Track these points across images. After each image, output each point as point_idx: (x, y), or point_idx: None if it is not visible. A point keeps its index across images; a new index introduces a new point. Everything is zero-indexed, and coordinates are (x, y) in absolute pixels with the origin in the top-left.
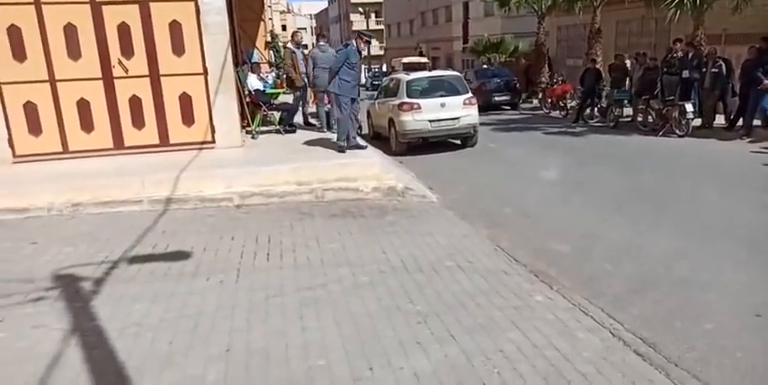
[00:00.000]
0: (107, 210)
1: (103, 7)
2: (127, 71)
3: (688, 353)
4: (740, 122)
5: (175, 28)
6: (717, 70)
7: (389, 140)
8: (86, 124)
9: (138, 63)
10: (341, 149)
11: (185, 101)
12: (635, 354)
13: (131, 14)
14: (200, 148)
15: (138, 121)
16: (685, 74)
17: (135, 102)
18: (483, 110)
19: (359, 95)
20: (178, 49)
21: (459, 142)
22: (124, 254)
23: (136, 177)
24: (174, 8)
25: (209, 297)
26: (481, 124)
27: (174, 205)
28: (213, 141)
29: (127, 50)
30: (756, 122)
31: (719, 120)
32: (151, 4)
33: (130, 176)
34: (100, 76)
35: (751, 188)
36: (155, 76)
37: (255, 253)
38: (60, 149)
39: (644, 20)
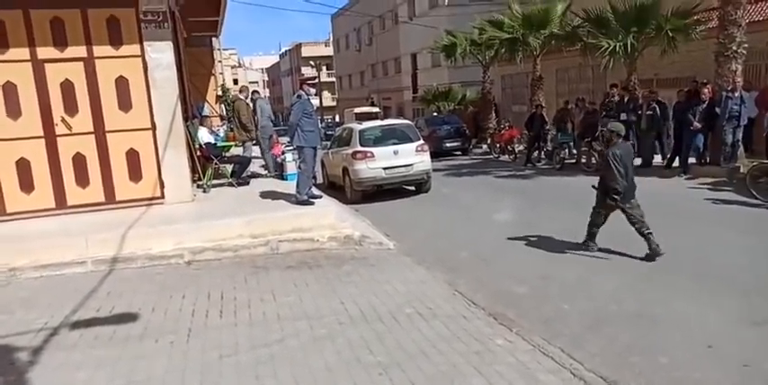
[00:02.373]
0: (48, 274)
1: (46, 65)
2: (70, 128)
3: None
4: (677, 161)
5: (122, 84)
6: (651, 112)
7: (344, 189)
8: (26, 184)
9: (83, 120)
10: (303, 202)
11: (132, 157)
12: None
13: (75, 72)
14: (149, 205)
15: (83, 179)
16: (623, 116)
17: (79, 160)
18: (435, 156)
19: (321, 143)
20: (125, 104)
21: (413, 188)
22: (65, 319)
23: (79, 237)
24: (120, 64)
25: (159, 360)
26: (434, 170)
27: (120, 265)
28: (162, 197)
29: (71, 107)
30: (691, 160)
31: (658, 159)
32: (96, 61)
33: (73, 236)
34: (41, 134)
35: (694, 222)
36: (100, 133)
37: (208, 310)
38: None
39: (581, 67)
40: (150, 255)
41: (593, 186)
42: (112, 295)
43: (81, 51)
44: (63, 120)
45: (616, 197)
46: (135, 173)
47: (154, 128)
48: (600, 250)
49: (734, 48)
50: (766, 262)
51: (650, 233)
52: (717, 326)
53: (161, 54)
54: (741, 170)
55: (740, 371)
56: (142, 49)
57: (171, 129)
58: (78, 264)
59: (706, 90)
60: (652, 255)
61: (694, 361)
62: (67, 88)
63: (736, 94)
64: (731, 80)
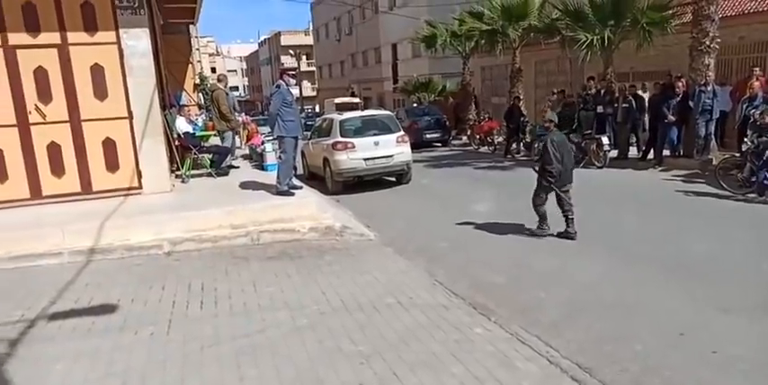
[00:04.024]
0: (22, 265)
1: (18, 51)
2: (44, 117)
3: (621, 376)
4: (651, 153)
5: (97, 72)
6: (627, 105)
7: (325, 180)
8: None
9: (57, 108)
10: (283, 193)
11: (109, 146)
12: (572, 380)
13: (49, 59)
14: (127, 195)
15: (58, 169)
16: (599, 109)
17: (54, 149)
18: (415, 147)
19: (302, 133)
20: (100, 93)
21: (393, 179)
22: (42, 311)
23: (55, 228)
24: (95, 51)
25: (139, 352)
26: (414, 161)
27: (98, 256)
28: (140, 187)
29: (44, 95)
30: (666, 152)
31: (633, 151)
32: (71, 48)
33: (49, 227)
34: (14, 122)
35: (667, 213)
36: (75, 122)
37: (188, 301)
38: None
39: (560, 60)
40: (129, 246)
41: (534, 169)
42: (90, 286)
43: (55, 38)
44: (37, 108)
45: (551, 179)
46: (112, 162)
47: (131, 117)
48: (559, 235)
49: (707, 42)
50: (734, 251)
51: (572, 219)
52: (687, 313)
53: (137, 41)
54: (713, 162)
55: (710, 357)
56: (118, 36)
57: (148, 118)
58: (54, 255)
59: (680, 83)
60: (564, 235)
61: (667, 348)
62: (41, 75)
63: (709, 88)
64: (704, 74)
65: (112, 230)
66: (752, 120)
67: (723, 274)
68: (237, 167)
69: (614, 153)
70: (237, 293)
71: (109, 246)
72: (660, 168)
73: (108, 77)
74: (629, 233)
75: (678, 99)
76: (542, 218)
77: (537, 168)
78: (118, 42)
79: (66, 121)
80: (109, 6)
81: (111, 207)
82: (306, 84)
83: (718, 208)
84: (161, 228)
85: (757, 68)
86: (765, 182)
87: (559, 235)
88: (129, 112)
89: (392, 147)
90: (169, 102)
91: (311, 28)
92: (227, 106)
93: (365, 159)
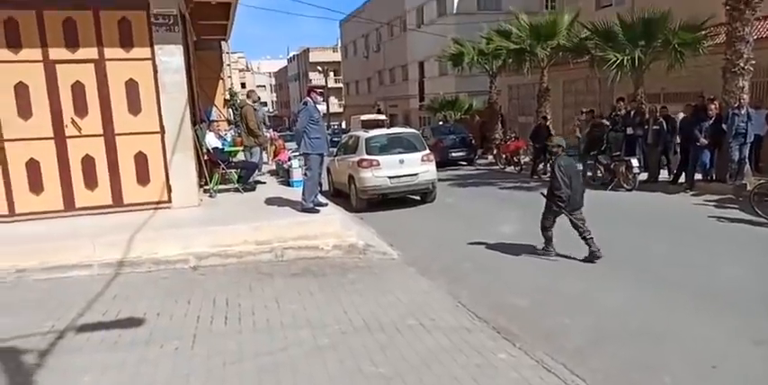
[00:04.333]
0: (55, 276)
1: (57, 66)
2: (80, 130)
3: None
4: (683, 177)
5: (132, 87)
6: (658, 127)
7: (350, 197)
8: (36, 185)
9: (93, 122)
10: (308, 210)
11: (141, 160)
12: None
13: (86, 73)
14: (156, 208)
15: (91, 182)
16: (629, 130)
17: (88, 162)
18: (440, 166)
19: (328, 150)
20: (134, 107)
21: (418, 198)
22: (72, 322)
23: (86, 240)
24: (130, 67)
25: (163, 365)
26: (439, 180)
27: (126, 268)
28: (169, 201)
29: (81, 109)
30: (698, 176)
31: (664, 174)
32: (107, 63)
33: (80, 239)
34: (51, 135)
35: (698, 239)
36: (109, 135)
37: (212, 317)
38: (6, 212)
39: (588, 79)
40: (156, 260)
41: (542, 193)
42: (118, 299)
43: (92, 53)
44: (73, 121)
45: (561, 204)
46: (143, 176)
47: (162, 131)
48: (584, 259)
49: (741, 64)
50: (766, 281)
51: (591, 238)
52: (719, 344)
53: (171, 57)
54: (747, 187)
55: None
56: (152, 52)
57: (179, 134)
58: (85, 266)
59: (713, 106)
60: (590, 258)
61: (698, 381)
62: (78, 90)
63: (743, 111)
64: (738, 97)
65: (141, 243)
66: None
67: (756, 304)
68: (264, 183)
69: (644, 176)
70: (261, 309)
71: (137, 258)
72: (692, 192)
73: (142, 92)
74: (657, 257)
75: (711, 122)
76: (548, 240)
77: (545, 193)
78: (152, 58)
79: (100, 135)
80: (145, 23)
81: (140, 220)
82: (333, 100)
83: (752, 235)
84: (188, 243)
85: None
86: None
87: (585, 259)
88: (162, 127)
89: (417, 166)
90: (200, 118)
91: (340, 45)
92: (254, 122)
93: (390, 177)
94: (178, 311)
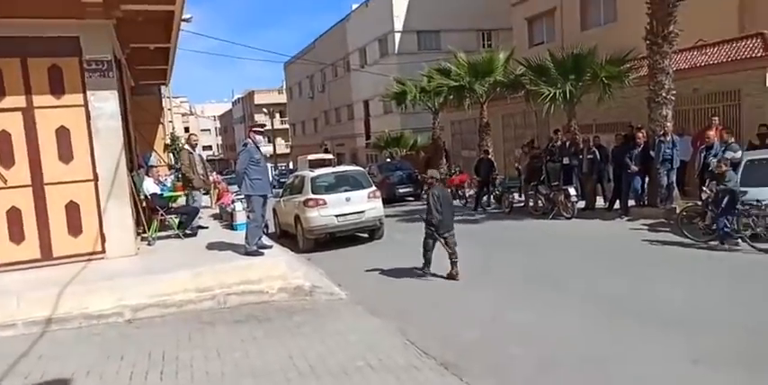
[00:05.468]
0: None
1: None
2: (5, 181)
3: None
4: (618, 203)
5: (63, 134)
6: (592, 156)
7: (296, 238)
8: None
9: (20, 172)
10: (252, 253)
11: (72, 209)
12: None
13: (13, 122)
14: (89, 260)
15: (17, 235)
16: (565, 160)
17: (14, 215)
18: (388, 202)
19: (271, 192)
20: (65, 155)
21: (366, 235)
22: None
23: (10, 297)
24: (61, 114)
25: None
26: (387, 216)
27: (54, 326)
28: (103, 251)
29: (6, 159)
30: (631, 202)
31: (600, 201)
32: (36, 111)
33: (3, 296)
34: None
35: (636, 263)
36: (38, 185)
37: (147, 372)
38: None
39: (526, 113)
40: (87, 314)
41: (420, 217)
42: (45, 359)
43: (20, 101)
44: None
45: (432, 228)
46: (74, 226)
47: (96, 179)
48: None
49: (663, 94)
50: (701, 300)
51: (456, 261)
52: (660, 365)
53: (105, 103)
54: (677, 211)
55: None
56: (85, 99)
57: (114, 180)
58: (8, 326)
59: (640, 134)
60: (450, 277)
61: None
62: (4, 139)
63: (668, 138)
64: (662, 125)
65: (71, 298)
66: (710, 168)
67: (690, 323)
68: (207, 227)
69: (582, 204)
70: (200, 360)
71: (67, 314)
72: (627, 218)
73: (74, 140)
74: (599, 284)
75: (640, 149)
76: (427, 262)
77: (423, 216)
78: (85, 104)
79: (28, 185)
80: (77, 69)
81: (71, 273)
82: (280, 141)
83: (684, 257)
84: (123, 294)
85: (716, 118)
86: (725, 229)
87: (448, 276)
88: (95, 175)
89: (364, 203)
90: (137, 164)
91: (285, 86)
92: (187, 165)
93: (337, 215)
94: (110, 369)
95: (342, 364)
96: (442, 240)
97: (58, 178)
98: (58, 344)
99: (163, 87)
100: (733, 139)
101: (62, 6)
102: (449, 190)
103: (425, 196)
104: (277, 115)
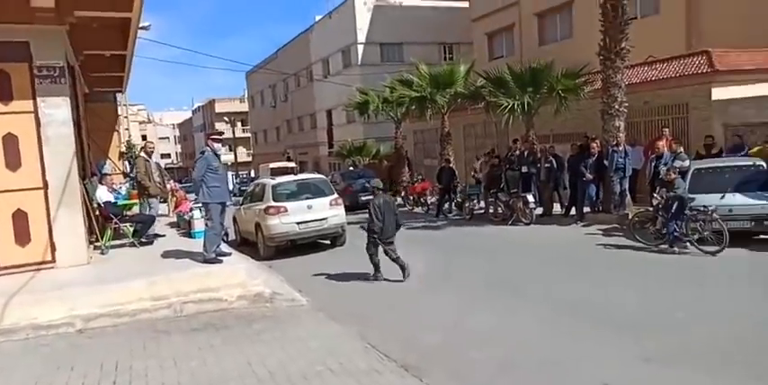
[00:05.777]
0: None
1: None
2: None
3: None
4: (573, 209)
5: (10, 141)
6: (549, 165)
7: (257, 246)
8: None
9: None
10: (210, 261)
11: (20, 218)
12: None
13: None
14: (38, 269)
15: None
16: (524, 169)
17: None
18: (351, 209)
19: (230, 199)
20: (13, 163)
21: (328, 242)
22: None
23: None
24: (8, 121)
25: None
26: (349, 223)
27: (0, 337)
28: (53, 260)
29: None
30: (586, 209)
31: (557, 208)
32: None
33: None
34: None
35: (591, 267)
36: None
37: (99, 382)
38: None
39: (486, 123)
40: (36, 325)
41: (362, 227)
42: None
43: None
44: None
45: (374, 235)
46: (22, 235)
47: (46, 187)
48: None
49: (616, 107)
50: (651, 302)
51: (403, 265)
52: (613, 364)
53: (56, 110)
54: (629, 216)
55: None
56: (35, 105)
57: (65, 188)
58: None
59: (595, 144)
60: (404, 277)
61: None
62: None
63: (621, 148)
64: (615, 136)
65: (18, 308)
66: (660, 176)
67: (641, 323)
68: (164, 235)
69: (540, 210)
70: (155, 370)
71: (14, 325)
72: (582, 224)
73: (22, 147)
74: (556, 288)
75: (594, 158)
76: (376, 267)
77: (365, 226)
78: (35, 111)
79: None
80: (27, 75)
81: (18, 283)
82: (241, 149)
83: (636, 260)
84: (74, 304)
85: (666, 129)
86: (675, 234)
87: (404, 280)
88: (45, 182)
89: (326, 211)
90: (90, 171)
91: (246, 95)
92: (142, 173)
93: (298, 223)
94: (59, 380)
95: (302, 370)
96: (385, 247)
97: (5, 186)
98: (5, 355)
99: (119, 94)
100: (681, 149)
101: (11, 11)
102: (411, 197)
103: (368, 205)
104: (238, 124)
